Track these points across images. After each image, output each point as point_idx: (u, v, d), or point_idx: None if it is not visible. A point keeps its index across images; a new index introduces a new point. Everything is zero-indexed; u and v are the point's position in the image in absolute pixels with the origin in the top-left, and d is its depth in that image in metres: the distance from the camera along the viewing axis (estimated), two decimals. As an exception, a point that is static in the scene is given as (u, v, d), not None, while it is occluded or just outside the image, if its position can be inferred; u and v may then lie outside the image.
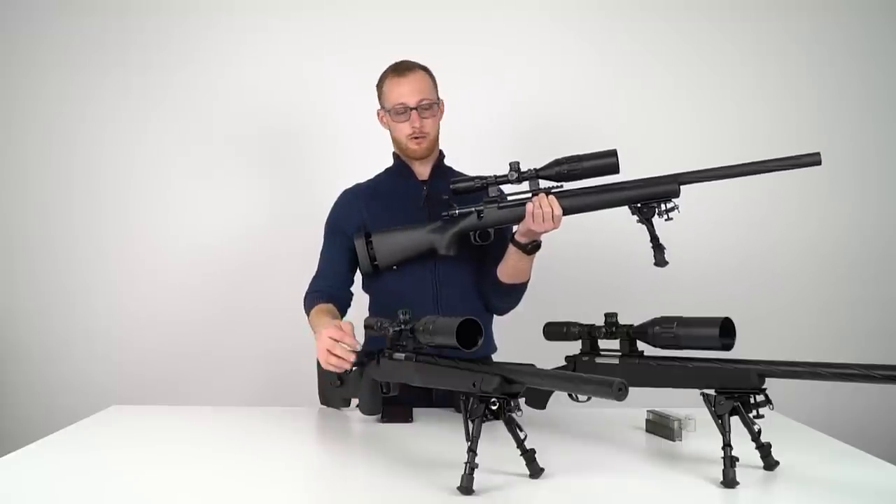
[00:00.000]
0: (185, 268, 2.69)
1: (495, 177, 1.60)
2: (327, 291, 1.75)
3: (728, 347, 1.24)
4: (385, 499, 1.13)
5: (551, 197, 1.55)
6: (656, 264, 1.53)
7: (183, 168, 2.70)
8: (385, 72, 1.79)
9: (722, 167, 1.50)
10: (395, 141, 1.81)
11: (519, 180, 1.59)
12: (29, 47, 2.71)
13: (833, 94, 2.71)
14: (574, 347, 1.51)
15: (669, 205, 1.51)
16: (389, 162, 1.86)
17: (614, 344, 1.43)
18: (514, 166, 1.59)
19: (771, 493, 1.16)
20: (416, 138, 1.74)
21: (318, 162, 2.68)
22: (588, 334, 1.47)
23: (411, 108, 1.72)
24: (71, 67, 2.70)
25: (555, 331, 1.52)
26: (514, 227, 1.65)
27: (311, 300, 1.73)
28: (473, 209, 1.64)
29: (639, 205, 1.52)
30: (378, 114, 1.82)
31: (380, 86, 1.79)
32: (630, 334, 1.40)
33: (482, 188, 1.62)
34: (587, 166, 1.53)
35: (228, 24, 2.69)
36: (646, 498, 1.14)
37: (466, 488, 1.10)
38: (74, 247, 2.70)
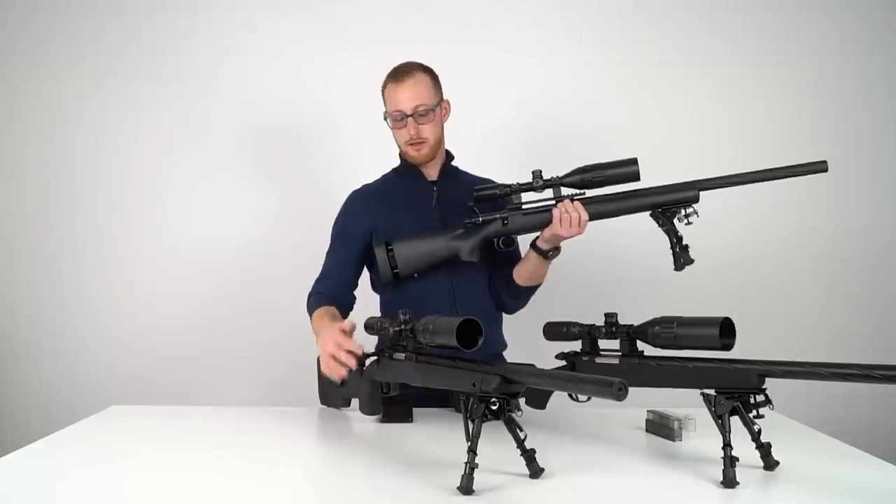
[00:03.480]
0: (185, 268, 2.69)
1: (518, 184, 1.63)
2: (330, 294, 1.73)
3: (728, 347, 1.24)
4: (385, 499, 1.13)
5: (577, 202, 1.59)
6: (679, 267, 1.58)
7: (182, 169, 2.70)
8: (386, 76, 1.76)
9: (737, 174, 1.56)
10: (398, 145, 1.79)
11: (543, 188, 1.61)
12: (30, 49, 2.71)
13: (833, 95, 2.71)
14: (574, 347, 1.51)
15: (689, 210, 1.56)
16: (395, 162, 1.85)
17: (614, 344, 1.43)
18: (537, 174, 1.61)
19: (771, 493, 1.16)
20: (413, 144, 1.73)
21: (318, 163, 2.68)
22: (588, 334, 1.47)
23: (407, 115, 1.69)
24: (72, 69, 2.70)
25: (555, 331, 1.52)
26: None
27: (314, 301, 1.72)
28: (498, 216, 1.66)
29: (660, 210, 1.57)
30: (384, 116, 1.80)
31: (382, 90, 1.77)
32: (630, 334, 1.40)
33: (505, 196, 1.64)
34: (610, 174, 1.57)
35: (231, 24, 2.69)
36: (646, 498, 1.14)
37: (466, 488, 1.10)
38: (75, 247, 2.70)
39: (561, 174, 1.61)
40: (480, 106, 2.52)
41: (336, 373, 1.47)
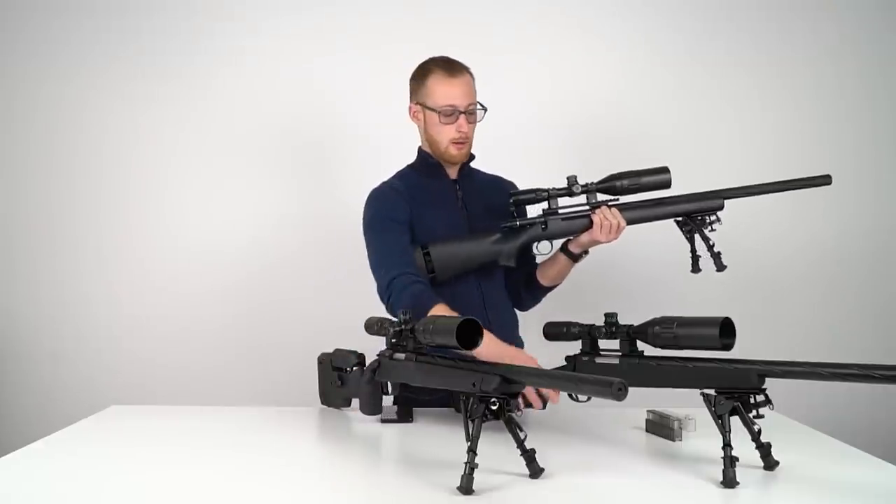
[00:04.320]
0: (185, 269, 2.69)
1: (555, 189, 1.66)
2: (426, 284, 1.62)
3: (728, 347, 1.24)
4: (385, 499, 1.13)
5: (615, 209, 1.64)
6: (720, 268, 1.66)
7: (183, 169, 2.70)
8: (429, 66, 1.70)
9: (757, 185, 1.69)
10: (433, 141, 1.73)
11: (578, 193, 1.66)
12: (31, 49, 2.71)
13: (832, 95, 2.71)
14: (574, 347, 1.51)
15: (713, 217, 1.65)
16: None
17: (614, 344, 1.43)
18: (572, 180, 1.65)
19: (771, 493, 1.16)
20: (458, 143, 1.71)
21: (321, 164, 2.68)
22: (588, 334, 1.47)
23: (461, 112, 1.68)
24: (74, 69, 2.70)
25: (555, 331, 1.52)
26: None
27: (427, 295, 1.56)
28: (537, 220, 1.69)
29: (688, 217, 1.66)
30: (410, 108, 1.75)
31: (421, 80, 1.70)
32: (630, 334, 1.40)
33: (542, 200, 1.67)
34: (644, 182, 1.64)
35: (233, 24, 2.69)
36: (646, 498, 1.14)
37: (466, 488, 1.09)
38: (75, 248, 2.70)
39: (595, 180, 1.65)
40: (502, 107, 2.51)
41: (537, 403, 1.50)
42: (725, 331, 1.23)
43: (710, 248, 1.65)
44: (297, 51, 2.68)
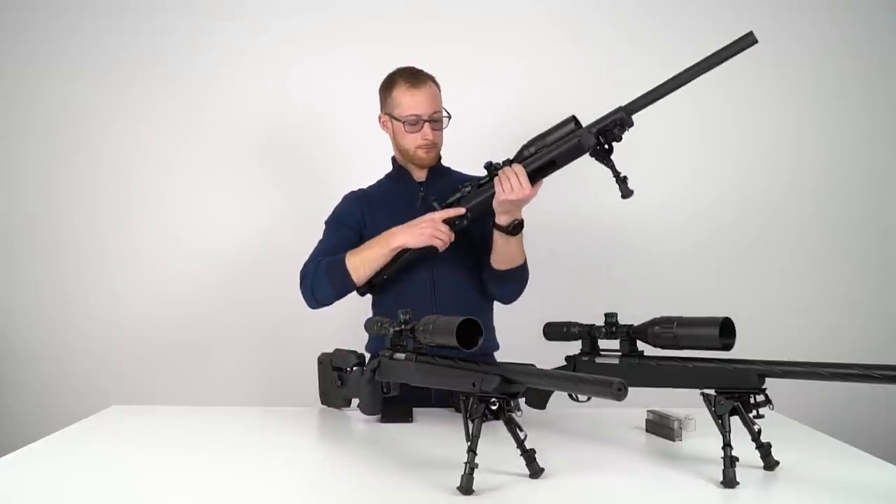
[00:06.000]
0: (185, 268, 2.69)
1: (478, 181, 1.66)
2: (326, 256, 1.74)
3: (728, 347, 1.24)
4: (385, 499, 1.13)
5: (515, 165, 1.57)
6: (623, 196, 1.51)
7: (183, 169, 2.71)
8: (394, 77, 1.76)
9: (663, 83, 1.49)
10: (401, 149, 1.80)
11: (495, 174, 1.61)
12: (31, 49, 2.71)
13: (832, 93, 2.72)
14: (574, 347, 1.51)
15: (619, 130, 1.50)
16: (391, 165, 1.87)
17: (614, 344, 1.43)
18: (488, 165, 1.63)
19: (771, 493, 1.16)
20: (425, 147, 1.76)
21: (316, 165, 2.69)
22: (588, 334, 1.47)
23: (424, 120, 1.72)
24: (73, 70, 2.70)
25: (555, 331, 1.52)
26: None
27: (324, 262, 1.70)
28: (450, 200, 1.68)
29: (598, 145, 1.51)
30: (380, 118, 1.81)
31: (387, 91, 1.77)
32: (630, 334, 1.39)
33: (466, 194, 1.66)
34: (550, 140, 1.56)
35: (233, 24, 2.70)
36: (646, 498, 1.14)
37: (466, 488, 1.10)
38: (75, 247, 2.70)
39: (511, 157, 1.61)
40: (473, 105, 2.52)
41: (442, 240, 1.61)
42: (725, 331, 1.23)
43: (617, 173, 1.50)
44: (295, 51, 2.69)
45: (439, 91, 1.78)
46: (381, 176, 1.90)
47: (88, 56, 2.70)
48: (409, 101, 1.72)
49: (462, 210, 1.64)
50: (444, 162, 1.86)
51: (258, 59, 2.69)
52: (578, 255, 2.61)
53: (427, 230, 1.62)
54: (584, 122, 1.54)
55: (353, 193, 1.87)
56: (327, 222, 1.85)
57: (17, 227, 2.72)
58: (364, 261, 1.67)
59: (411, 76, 1.74)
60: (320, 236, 1.84)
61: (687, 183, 2.68)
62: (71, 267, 2.70)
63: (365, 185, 1.89)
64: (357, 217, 1.80)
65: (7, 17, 2.71)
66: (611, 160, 1.52)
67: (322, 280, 1.69)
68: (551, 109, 2.64)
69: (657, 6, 2.71)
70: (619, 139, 1.52)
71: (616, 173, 1.51)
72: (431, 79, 1.77)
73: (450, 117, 1.77)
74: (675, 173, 2.69)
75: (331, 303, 1.74)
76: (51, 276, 2.71)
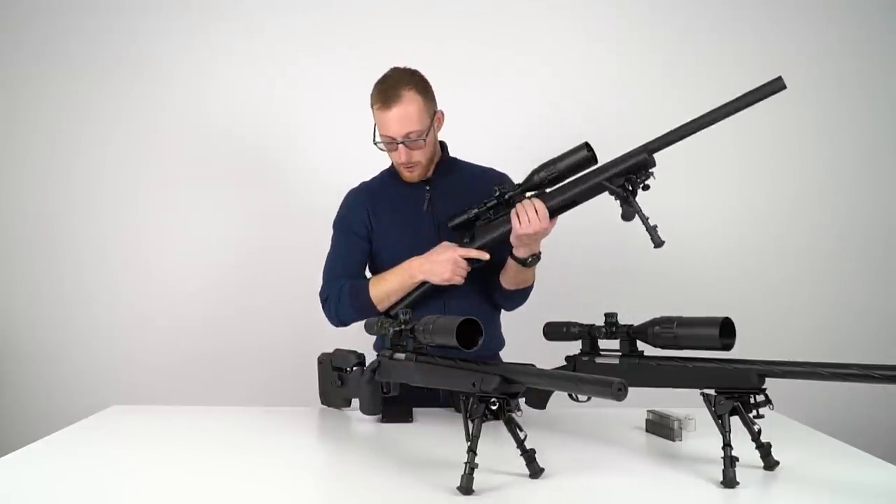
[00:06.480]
0: (185, 268, 2.69)
1: (485, 204, 1.62)
2: (347, 280, 1.72)
3: (728, 347, 1.24)
4: (385, 499, 1.13)
5: (533, 199, 1.56)
6: (656, 246, 1.45)
7: (183, 170, 2.70)
8: (372, 91, 1.67)
9: (688, 123, 1.47)
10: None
11: (506, 204, 1.60)
12: (31, 50, 2.71)
13: (832, 95, 2.71)
14: (574, 347, 1.51)
15: (643, 176, 1.47)
16: (386, 160, 1.83)
17: (614, 344, 1.43)
18: (496, 191, 1.61)
19: (771, 493, 1.16)
20: (406, 167, 1.71)
21: (315, 165, 2.68)
22: (588, 334, 1.47)
23: (398, 142, 1.65)
24: (73, 72, 2.70)
25: (555, 331, 1.52)
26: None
27: (346, 288, 1.70)
28: (466, 239, 1.65)
29: (622, 185, 1.47)
30: (374, 136, 1.75)
31: (371, 105, 1.69)
32: (630, 334, 1.39)
33: (476, 219, 1.64)
34: (563, 166, 1.54)
35: (230, 24, 2.70)
36: (646, 498, 1.14)
37: (466, 488, 1.10)
38: (75, 248, 2.70)
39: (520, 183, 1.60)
40: (478, 104, 2.53)
41: (461, 276, 1.62)
42: (725, 331, 1.23)
43: (645, 220, 1.44)
44: (293, 51, 2.69)
45: (421, 99, 1.64)
46: (378, 168, 1.86)
47: (90, 56, 2.70)
48: (382, 122, 1.64)
49: (486, 255, 1.62)
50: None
51: (258, 59, 2.69)
52: (578, 255, 2.61)
53: (449, 268, 1.61)
54: (595, 135, 1.53)
55: (354, 192, 1.83)
56: (335, 227, 1.81)
57: (16, 227, 2.72)
58: (388, 294, 1.67)
59: (382, 93, 1.63)
60: (323, 237, 1.83)
61: (686, 183, 2.68)
62: (71, 267, 2.70)
63: (366, 179, 1.86)
64: (364, 222, 1.77)
65: (7, 17, 2.71)
66: (637, 205, 1.46)
67: (346, 308, 1.71)
68: (551, 109, 2.67)
69: (657, 5, 2.71)
70: (646, 187, 1.48)
71: (645, 221, 1.45)
72: (408, 88, 1.63)
73: (430, 128, 1.67)
74: (675, 174, 2.69)
75: (354, 322, 1.74)
76: (51, 276, 2.71)
